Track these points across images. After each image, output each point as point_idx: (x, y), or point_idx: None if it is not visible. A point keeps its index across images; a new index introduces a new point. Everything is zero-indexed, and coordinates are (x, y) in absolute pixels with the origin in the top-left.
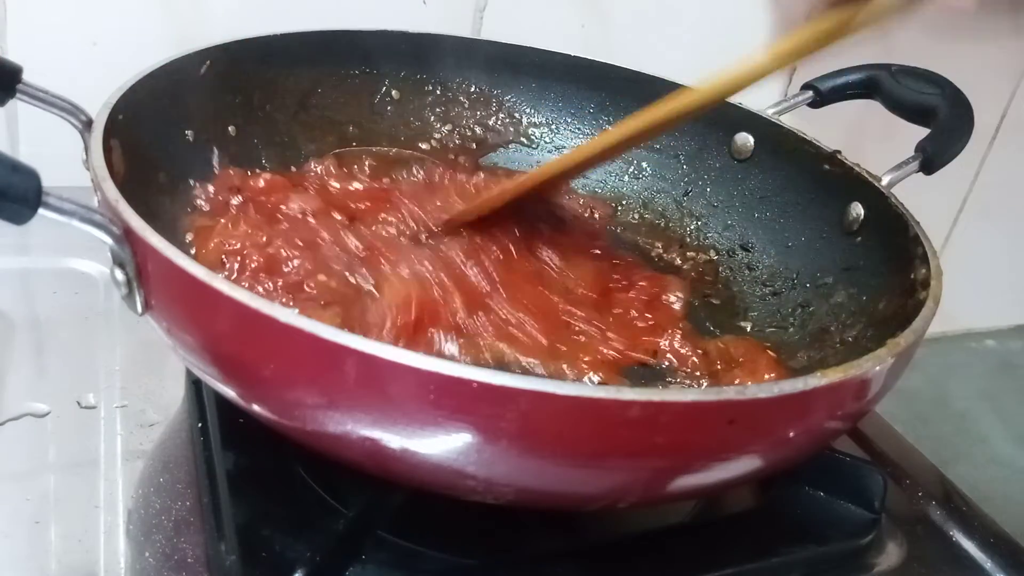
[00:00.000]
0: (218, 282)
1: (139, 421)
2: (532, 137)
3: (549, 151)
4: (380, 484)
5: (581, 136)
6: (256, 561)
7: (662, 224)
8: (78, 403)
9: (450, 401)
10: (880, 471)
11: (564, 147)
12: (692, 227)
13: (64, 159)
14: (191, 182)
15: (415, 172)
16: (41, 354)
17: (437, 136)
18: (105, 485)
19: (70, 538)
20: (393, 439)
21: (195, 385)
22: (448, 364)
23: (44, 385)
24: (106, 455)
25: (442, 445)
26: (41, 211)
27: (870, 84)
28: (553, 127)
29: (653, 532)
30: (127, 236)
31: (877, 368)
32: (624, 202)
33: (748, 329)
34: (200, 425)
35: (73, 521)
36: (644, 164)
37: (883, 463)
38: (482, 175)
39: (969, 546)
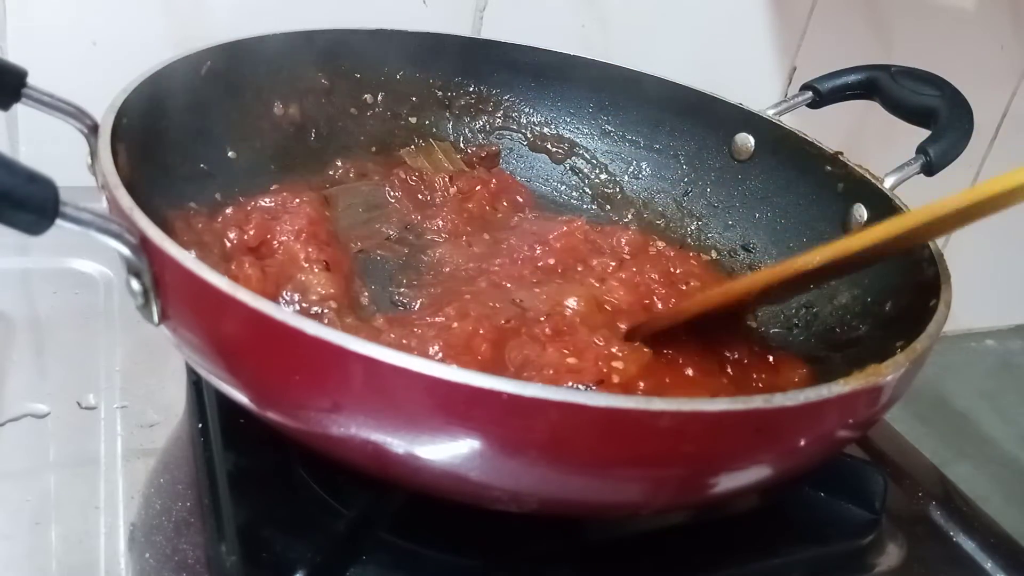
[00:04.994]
0: (241, 293)
1: (139, 421)
2: (531, 136)
3: None
4: (380, 485)
5: (581, 135)
6: (257, 562)
7: (662, 224)
8: (78, 403)
9: (480, 412)
10: (880, 471)
11: None
12: (692, 227)
13: (63, 159)
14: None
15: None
16: (41, 354)
17: (437, 138)
18: (105, 485)
19: (70, 538)
20: (422, 450)
21: (195, 385)
22: (478, 375)
23: (44, 385)
24: (106, 455)
25: (470, 456)
26: (58, 221)
27: (869, 85)
28: (552, 127)
29: (653, 532)
30: (143, 246)
31: (895, 374)
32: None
33: (753, 329)
34: (200, 426)
35: (73, 521)
36: (644, 164)
37: (883, 463)
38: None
39: (969, 546)
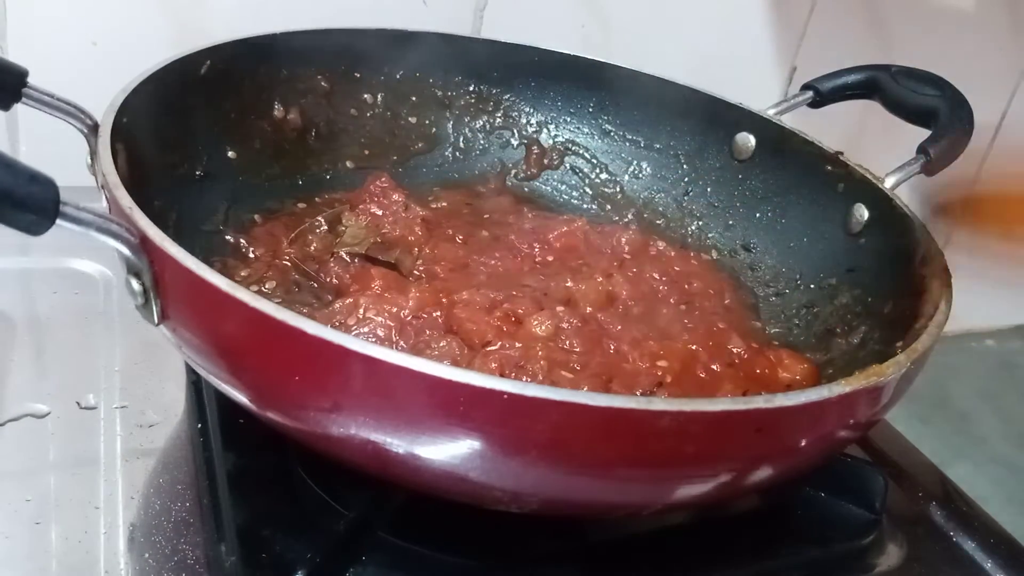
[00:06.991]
0: (241, 293)
1: (139, 421)
2: (530, 136)
3: None
4: (380, 485)
5: (581, 135)
6: (256, 562)
7: (663, 224)
8: (78, 403)
9: (481, 412)
10: (880, 471)
11: None
12: (693, 227)
13: (63, 159)
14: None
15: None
16: (41, 354)
17: (437, 139)
18: (105, 485)
19: (70, 538)
20: (422, 450)
21: (195, 386)
22: (479, 375)
23: (44, 385)
24: (106, 455)
25: (471, 457)
26: (58, 221)
27: (870, 85)
28: (552, 127)
29: (653, 533)
30: (143, 245)
31: (896, 374)
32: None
33: (757, 327)
34: (200, 426)
35: (73, 521)
36: (644, 164)
37: (883, 463)
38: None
39: (969, 546)
